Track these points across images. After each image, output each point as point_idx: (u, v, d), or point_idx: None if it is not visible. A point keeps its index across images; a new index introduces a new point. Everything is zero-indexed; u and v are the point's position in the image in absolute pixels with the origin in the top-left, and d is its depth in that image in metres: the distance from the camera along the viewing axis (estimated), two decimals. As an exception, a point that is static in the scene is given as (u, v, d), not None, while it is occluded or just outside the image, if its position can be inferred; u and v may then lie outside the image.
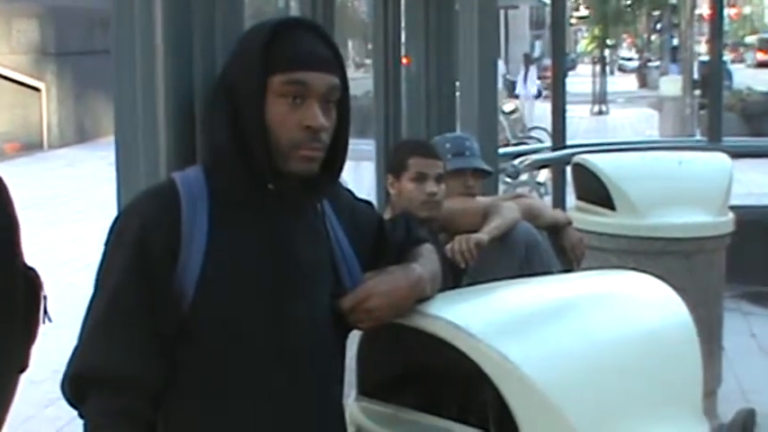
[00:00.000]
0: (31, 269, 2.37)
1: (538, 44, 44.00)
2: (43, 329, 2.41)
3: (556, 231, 3.65)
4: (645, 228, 5.05)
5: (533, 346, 1.98)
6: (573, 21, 41.86)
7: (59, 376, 1.89)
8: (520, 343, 1.96)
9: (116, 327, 1.87)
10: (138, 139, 2.16)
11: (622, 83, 39.02)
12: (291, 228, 1.97)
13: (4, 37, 20.34)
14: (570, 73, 26.39)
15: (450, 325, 1.98)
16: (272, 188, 1.93)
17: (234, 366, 1.92)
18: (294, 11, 5.73)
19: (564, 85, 8.34)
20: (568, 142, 8.24)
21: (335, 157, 1.99)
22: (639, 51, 49.00)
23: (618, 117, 25.98)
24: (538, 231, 3.49)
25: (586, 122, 23.95)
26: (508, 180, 8.30)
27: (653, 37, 45.21)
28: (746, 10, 65.24)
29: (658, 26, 41.28)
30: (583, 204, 5.34)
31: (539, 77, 25.02)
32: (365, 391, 2.22)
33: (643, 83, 37.27)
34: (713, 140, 8.14)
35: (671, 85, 21.87)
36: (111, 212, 2.02)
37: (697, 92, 20.15)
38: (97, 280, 1.93)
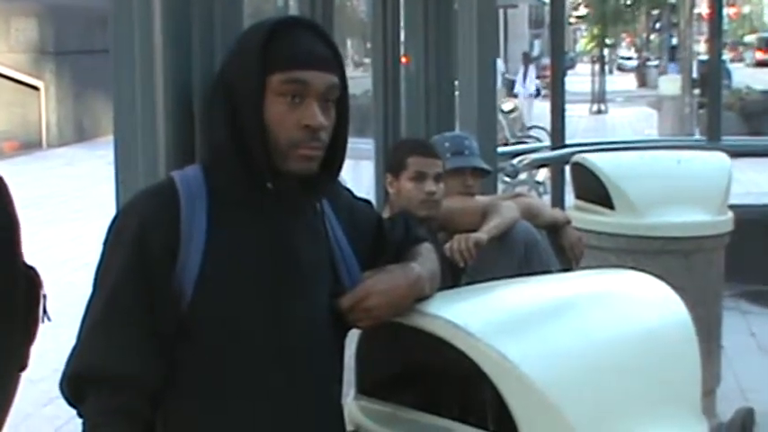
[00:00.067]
0: (31, 268, 2.36)
1: (537, 43, 44.01)
2: (42, 328, 2.41)
3: (555, 230, 3.65)
4: (644, 227, 5.05)
5: (532, 346, 1.98)
6: (572, 20, 41.76)
7: (58, 375, 1.89)
8: (519, 342, 1.96)
9: (115, 326, 1.87)
10: (137, 138, 2.17)
11: (621, 82, 38.98)
12: (290, 227, 1.97)
13: (2, 36, 20.34)
14: (569, 72, 26.35)
15: (449, 324, 1.98)
16: (270, 187, 1.93)
17: (233, 366, 1.92)
18: (293, 10, 5.71)
19: (563, 84, 8.33)
20: (567, 141, 8.22)
21: (334, 156, 1.98)
22: (638, 50, 48.97)
23: (617, 116, 25.96)
24: (537, 230, 3.49)
25: (585, 121, 23.96)
26: (507, 179, 8.31)
27: (652, 36, 45.22)
28: (746, 9, 65.18)
29: (657, 25, 41.30)
30: (582, 203, 5.34)
31: (538, 76, 25.00)
32: (364, 390, 2.22)
33: (642, 82, 37.25)
34: (712, 139, 8.13)
35: (670, 84, 21.88)
36: (110, 211, 2.02)
37: (696, 91, 20.18)
38: (96, 279, 1.93)
